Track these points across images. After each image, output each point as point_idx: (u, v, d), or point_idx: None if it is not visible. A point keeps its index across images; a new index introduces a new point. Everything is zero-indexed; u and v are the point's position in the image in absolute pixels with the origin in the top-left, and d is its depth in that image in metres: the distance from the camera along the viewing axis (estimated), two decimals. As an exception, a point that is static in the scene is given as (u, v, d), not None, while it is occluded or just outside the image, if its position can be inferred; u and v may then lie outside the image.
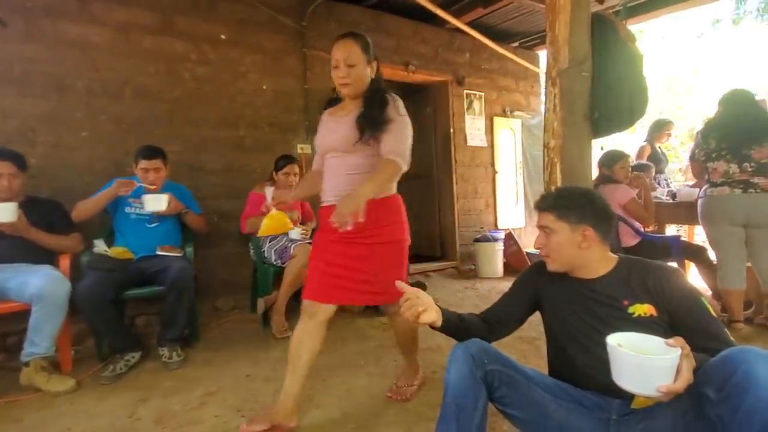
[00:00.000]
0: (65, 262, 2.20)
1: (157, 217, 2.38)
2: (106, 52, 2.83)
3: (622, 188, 2.79)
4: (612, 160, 2.89)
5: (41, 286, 1.90)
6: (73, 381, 1.93)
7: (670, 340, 0.89)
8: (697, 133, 2.61)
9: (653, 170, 3.48)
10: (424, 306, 1.09)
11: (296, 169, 2.87)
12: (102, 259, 2.19)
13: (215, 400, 1.80)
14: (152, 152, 2.38)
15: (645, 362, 0.85)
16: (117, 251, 2.25)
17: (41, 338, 1.91)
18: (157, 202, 2.26)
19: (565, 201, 1.18)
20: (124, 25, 2.89)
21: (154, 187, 2.35)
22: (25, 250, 2.08)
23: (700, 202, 2.53)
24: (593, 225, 1.15)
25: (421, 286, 3.63)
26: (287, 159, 2.88)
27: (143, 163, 2.35)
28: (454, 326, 1.19)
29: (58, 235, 2.20)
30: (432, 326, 1.14)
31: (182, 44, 3.08)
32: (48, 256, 2.17)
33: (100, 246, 2.26)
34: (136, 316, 2.78)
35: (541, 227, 1.21)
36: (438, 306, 1.15)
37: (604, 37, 1.68)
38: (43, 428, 1.62)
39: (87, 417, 1.69)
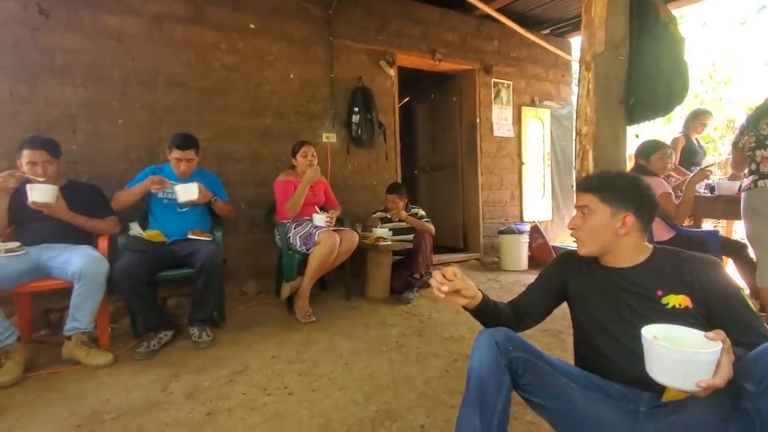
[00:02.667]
0: (103, 243, 2.30)
1: (190, 204, 2.46)
2: (141, 42, 2.92)
3: (657, 181, 2.67)
4: (649, 150, 2.77)
5: (83, 265, 2.00)
6: (110, 355, 2.04)
7: (711, 334, 0.85)
8: (746, 119, 2.44)
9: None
10: (456, 287, 1.06)
11: (312, 150, 2.91)
12: (137, 242, 2.28)
13: (242, 378, 1.86)
14: (187, 143, 2.44)
15: (685, 356, 0.82)
16: (151, 234, 2.35)
17: (82, 314, 2.02)
18: (188, 192, 2.34)
19: (611, 184, 1.14)
20: (158, 15, 2.97)
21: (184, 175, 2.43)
22: (67, 232, 2.20)
23: (745, 194, 2.38)
24: (636, 212, 1.11)
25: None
26: (300, 142, 2.95)
27: (177, 153, 2.42)
28: (486, 312, 1.18)
29: (97, 217, 2.31)
30: (465, 307, 1.14)
31: (212, 34, 3.14)
32: (87, 237, 2.29)
33: (135, 229, 2.36)
34: (167, 297, 2.89)
35: (579, 207, 1.18)
36: (479, 290, 1.13)
37: (644, 19, 1.60)
38: (84, 398, 1.72)
39: (124, 390, 1.78)
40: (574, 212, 1.21)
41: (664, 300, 1.06)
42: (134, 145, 2.90)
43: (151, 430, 1.49)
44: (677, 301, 1.05)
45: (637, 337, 0.90)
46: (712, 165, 3.36)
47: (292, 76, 3.43)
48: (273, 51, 3.36)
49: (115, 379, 1.89)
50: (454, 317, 2.65)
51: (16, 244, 2.05)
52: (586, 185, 1.19)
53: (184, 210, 2.49)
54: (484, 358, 1.03)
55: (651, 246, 1.16)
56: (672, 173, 3.49)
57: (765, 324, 1.01)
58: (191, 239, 2.40)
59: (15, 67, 2.59)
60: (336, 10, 3.58)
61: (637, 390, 1.06)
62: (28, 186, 2.02)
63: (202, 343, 2.21)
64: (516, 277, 3.88)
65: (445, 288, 1.05)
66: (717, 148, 7.59)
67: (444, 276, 1.06)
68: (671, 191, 2.70)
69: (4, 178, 2.03)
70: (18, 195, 2.08)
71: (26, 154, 2.12)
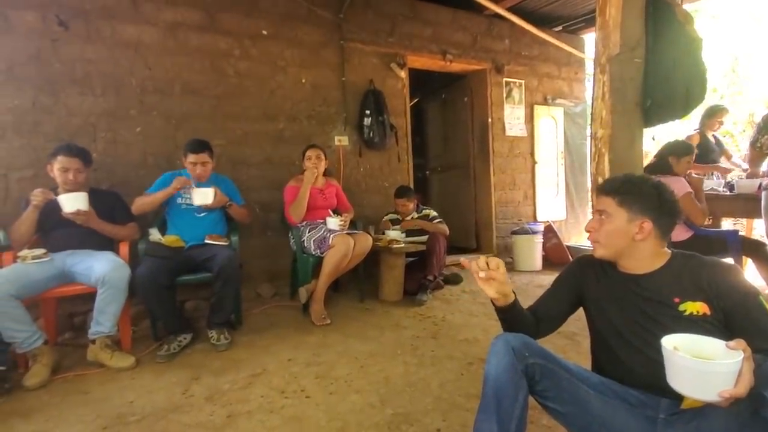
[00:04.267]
0: (124, 249, 2.37)
1: (205, 207, 2.52)
2: (157, 51, 2.98)
3: (680, 181, 2.62)
4: (684, 150, 2.72)
5: (106, 270, 2.06)
6: (133, 358, 2.09)
7: (732, 343, 0.84)
8: (762, 119, 2.41)
9: None
10: (493, 276, 1.09)
11: (317, 153, 2.95)
12: (157, 247, 2.34)
13: (260, 381, 1.90)
14: (199, 147, 2.50)
15: (708, 368, 0.81)
16: (170, 240, 2.40)
17: (105, 318, 2.09)
18: (204, 196, 2.40)
19: (632, 188, 1.13)
20: (172, 23, 3.03)
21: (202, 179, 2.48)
22: (90, 238, 2.27)
23: (766, 193, 2.35)
24: (654, 219, 1.10)
25: (457, 278, 3.62)
26: (307, 146, 3.01)
27: (191, 157, 2.48)
28: (513, 315, 1.19)
29: (118, 224, 2.38)
30: (493, 302, 1.17)
31: (226, 41, 3.19)
32: (109, 244, 2.35)
33: (154, 234, 2.42)
34: (185, 300, 2.96)
35: (597, 211, 1.17)
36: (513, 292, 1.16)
37: (660, 21, 1.58)
38: (109, 400, 1.77)
39: (146, 392, 1.83)
40: (590, 213, 1.20)
41: (682, 307, 1.05)
42: (152, 152, 2.97)
43: (174, 432, 1.53)
44: (695, 308, 1.03)
45: (653, 344, 0.90)
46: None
47: (304, 80, 3.47)
48: (285, 56, 3.40)
49: (138, 381, 1.94)
50: (468, 320, 2.65)
51: (42, 251, 2.12)
52: (605, 188, 1.17)
53: (201, 215, 2.55)
54: (500, 364, 1.03)
55: (669, 251, 1.15)
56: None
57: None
58: (209, 244, 2.45)
59: (37, 78, 2.67)
60: (347, 14, 3.61)
61: (654, 396, 1.05)
62: (59, 198, 2.10)
63: (220, 346, 2.26)
64: (530, 278, 3.86)
65: (482, 274, 1.09)
66: (736, 142, 7.40)
67: (487, 264, 1.09)
68: (692, 192, 2.65)
69: (36, 197, 2.12)
70: (44, 205, 2.15)
71: (60, 160, 2.21)
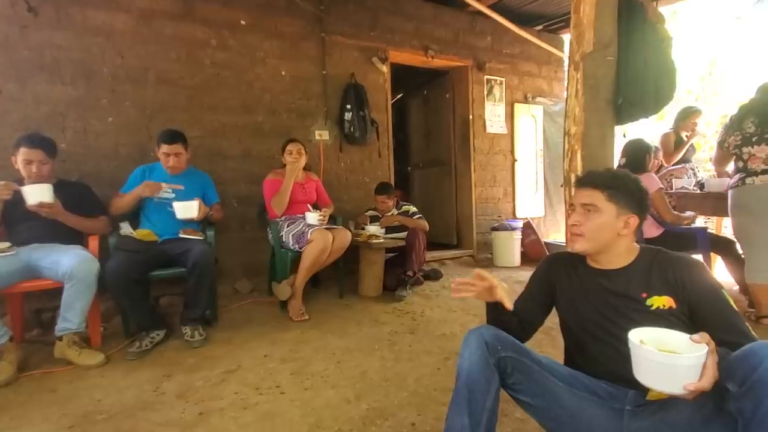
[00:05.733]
0: (94, 242, 2.29)
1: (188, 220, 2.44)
2: (130, 39, 2.88)
3: (652, 178, 2.69)
4: (653, 149, 2.80)
5: (73, 265, 1.99)
6: (102, 355, 2.03)
7: (696, 336, 0.86)
8: (730, 119, 2.49)
9: None
10: (474, 286, 1.15)
11: (298, 147, 2.89)
12: (128, 241, 2.27)
13: (235, 377, 1.87)
14: (173, 137, 2.44)
15: (671, 361, 0.82)
16: (142, 233, 2.34)
17: (73, 314, 2.02)
18: (188, 210, 2.36)
19: (620, 183, 1.13)
20: (147, 11, 2.93)
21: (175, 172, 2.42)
22: (57, 231, 2.18)
23: (732, 191, 2.42)
24: (639, 215, 1.12)
25: (437, 274, 3.64)
26: (287, 140, 2.96)
27: (164, 148, 2.42)
28: (500, 316, 1.22)
29: (88, 216, 2.30)
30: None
31: (203, 30, 3.11)
32: (78, 237, 2.27)
33: (125, 228, 2.35)
34: (160, 296, 2.89)
35: (583, 204, 1.15)
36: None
37: (632, 19, 1.61)
38: (76, 399, 1.72)
39: (115, 390, 1.78)
40: (566, 208, 1.21)
41: (649, 302, 1.07)
42: (124, 143, 2.88)
43: (143, 430, 1.49)
44: (661, 302, 1.06)
45: (622, 338, 0.91)
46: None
47: (283, 73, 3.41)
48: (264, 48, 3.33)
49: (107, 379, 1.89)
50: (447, 315, 2.67)
51: (7, 244, 2.04)
52: (591, 181, 1.16)
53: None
54: (473, 358, 1.04)
55: (638, 246, 1.17)
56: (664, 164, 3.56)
57: (747, 323, 1.03)
58: (183, 238, 2.39)
59: (4, 65, 2.55)
60: (328, 6, 3.56)
61: (622, 389, 1.07)
62: (24, 189, 2.02)
63: (194, 343, 2.21)
64: (509, 274, 3.91)
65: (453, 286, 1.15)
66: (709, 143, 7.63)
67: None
68: (662, 187, 2.73)
69: (0, 191, 2.03)
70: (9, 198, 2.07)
71: (23, 152, 2.13)
